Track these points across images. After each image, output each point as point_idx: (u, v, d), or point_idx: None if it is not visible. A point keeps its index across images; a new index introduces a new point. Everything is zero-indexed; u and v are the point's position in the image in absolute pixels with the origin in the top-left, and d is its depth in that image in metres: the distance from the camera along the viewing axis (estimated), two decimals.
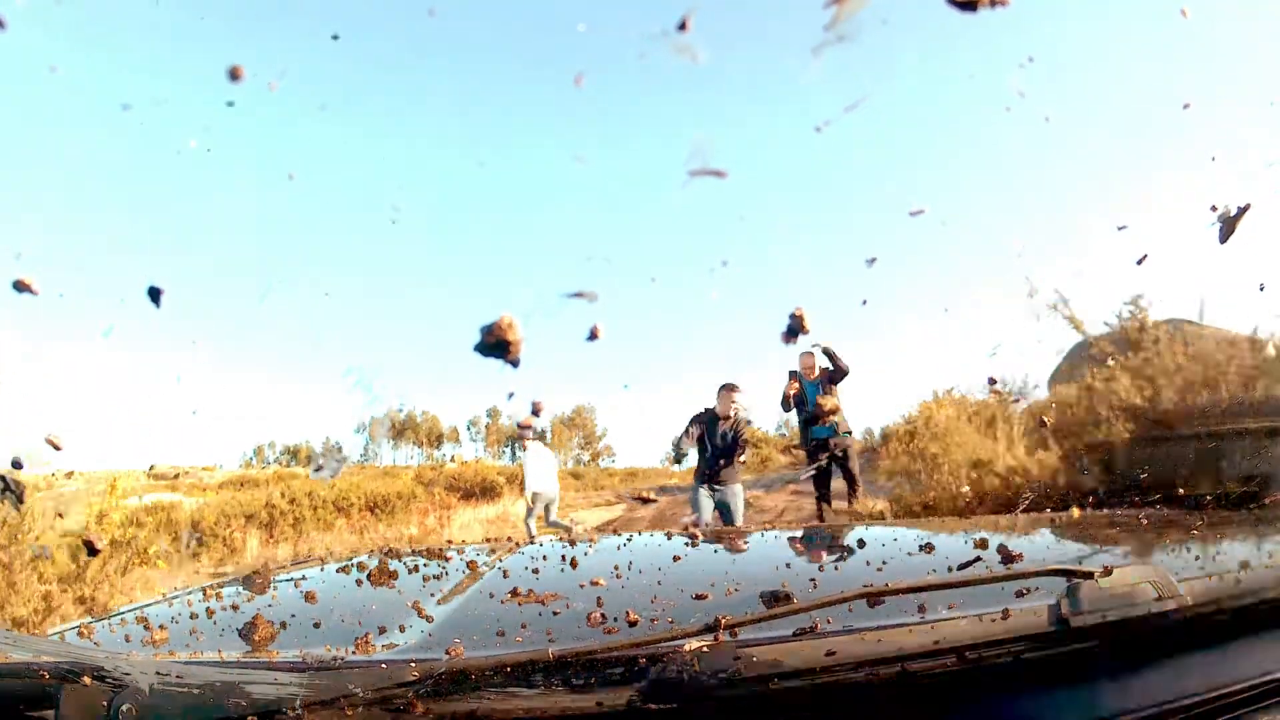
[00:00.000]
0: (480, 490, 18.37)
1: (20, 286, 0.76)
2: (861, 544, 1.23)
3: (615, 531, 2.09)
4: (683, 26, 0.52)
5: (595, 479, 34.50)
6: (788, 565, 1.16)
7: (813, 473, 5.89)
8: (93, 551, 1.11)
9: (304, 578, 1.23)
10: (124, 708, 0.55)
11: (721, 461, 5.15)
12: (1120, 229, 1.35)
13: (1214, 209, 0.91)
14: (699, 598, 0.86)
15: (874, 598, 0.71)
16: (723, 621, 0.64)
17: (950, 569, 0.89)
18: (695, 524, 4.86)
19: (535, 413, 0.67)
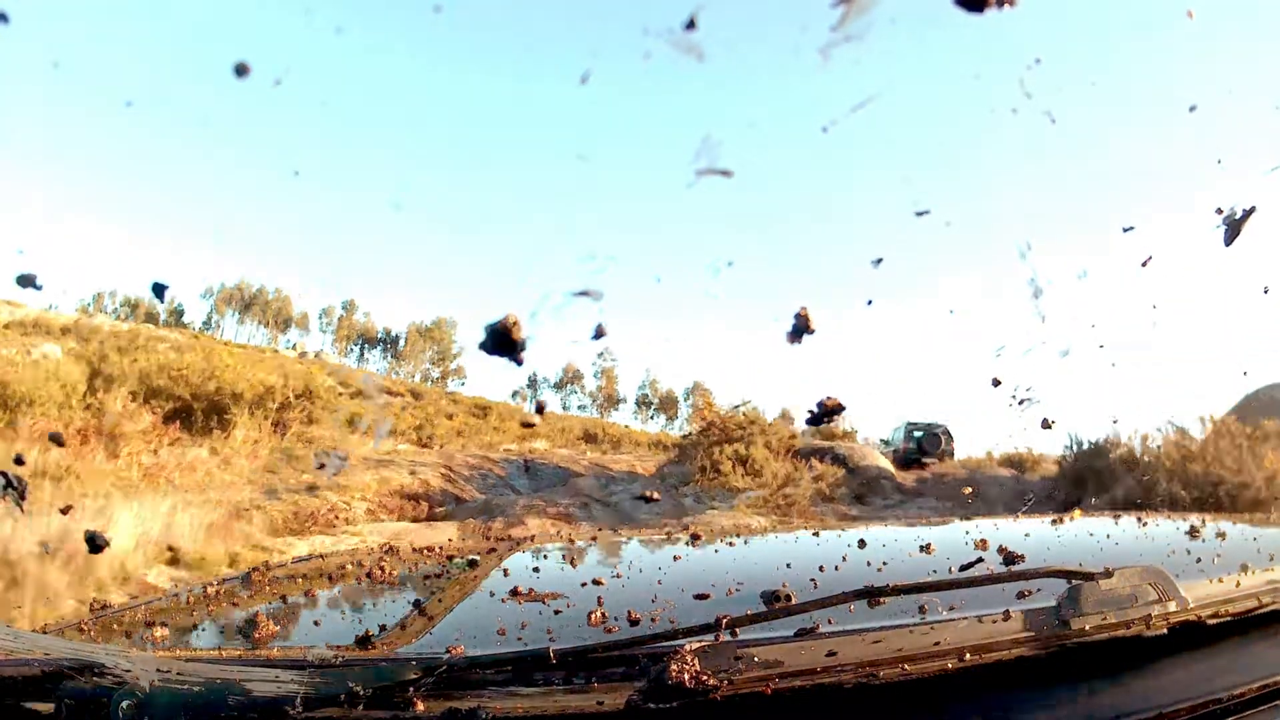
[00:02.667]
0: (206, 412, 9.72)
1: (24, 281, 0.76)
2: (862, 544, 1.23)
3: None
4: (691, 25, 0.51)
5: (436, 408, 24.15)
6: (788, 565, 1.16)
7: None
8: (95, 549, 1.10)
9: (304, 576, 1.23)
10: (124, 705, 0.55)
11: None
12: (1126, 230, 1.34)
13: (1219, 211, 0.91)
14: (700, 597, 0.86)
15: (875, 598, 0.71)
16: (723, 621, 0.64)
17: (951, 570, 0.89)
18: None
19: (539, 410, 0.67)
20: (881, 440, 18.15)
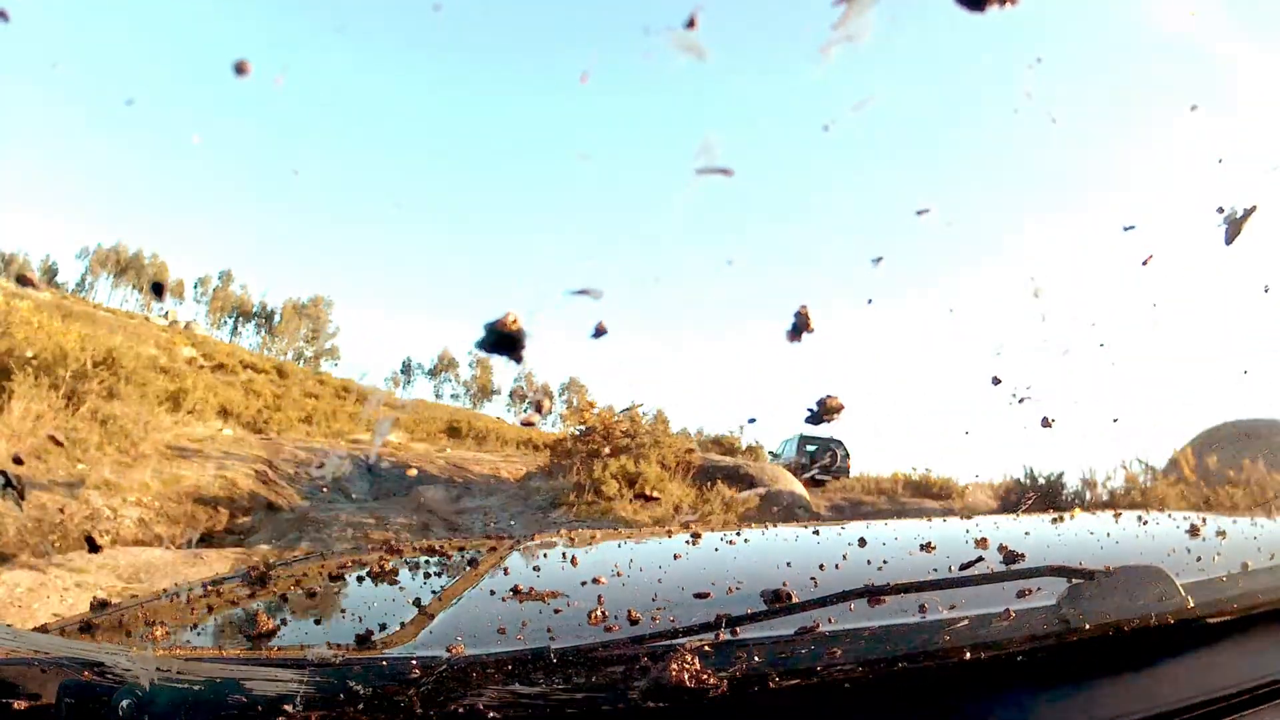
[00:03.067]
0: None
1: (23, 280, 0.76)
2: (863, 543, 1.23)
3: None
4: (691, 24, 0.51)
5: (301, 388, 21.67)
6: (788, 564, 1.16)
7: None
8: (94, 548, 1.10)
9: (305, 575, 1.23)
10: (124, 704, 0.55)
11: None
12: (1127, 229, 1.34)
13: (1220, 210, 0.91)
14: (700, 596, 0.86)
15: (875, 597, 0.71)
16: (724, 620, 0.64)
17: (951, 568, 0.89)
18: None
19: (540, 411, 0.67)
20: (771, 453, 16.45)
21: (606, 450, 9.79)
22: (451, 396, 57.62)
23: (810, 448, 15.12)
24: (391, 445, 14.47)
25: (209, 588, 1.14)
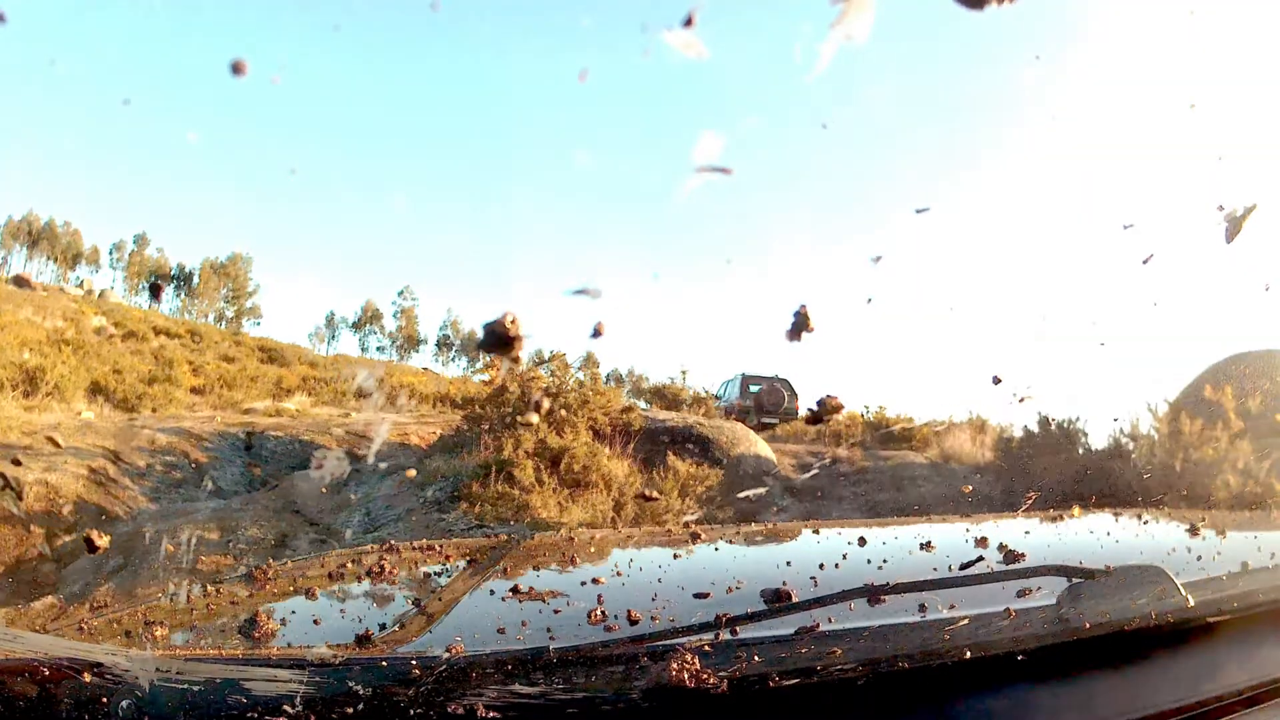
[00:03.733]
0: None
1: (20, 281, 0.76)
2: (863, 542, 1.23)
3: None
4: (688, 22, 0.51)
5: (216, 350, 19.10)
6: (788, 563, 1.16)
7: None
8: (92, 548, 1.11)
9: (304, 575, 1.23)
10: (124, 705, 0.55)
11: None
12: (1126, 228, 1.34)
13: (1220, 208, 0.91)
14: (700, 596, 0.86)
15: (875, 596, 0.71)
16: (724, 619, 0.64)
17: (952, 568, 0.89)
18: None
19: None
20: (713, 396, 14.43)
21: (521, 418, 7.32)
22: (378, 349, 55.30)
23: (754, 388, 13.32)
24: (287, 415, 12.04)
25: (208, 588, 1.14)
